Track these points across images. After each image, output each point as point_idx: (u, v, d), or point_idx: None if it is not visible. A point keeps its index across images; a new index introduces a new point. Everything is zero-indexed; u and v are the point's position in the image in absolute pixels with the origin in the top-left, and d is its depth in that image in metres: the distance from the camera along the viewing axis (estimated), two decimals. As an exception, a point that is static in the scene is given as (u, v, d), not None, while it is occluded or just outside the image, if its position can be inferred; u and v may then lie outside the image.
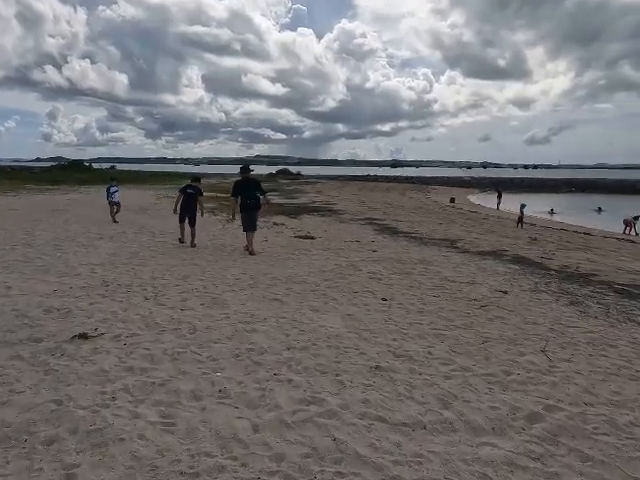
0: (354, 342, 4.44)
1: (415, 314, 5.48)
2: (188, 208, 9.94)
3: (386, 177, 65.94)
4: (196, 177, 10.66)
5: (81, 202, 19.90)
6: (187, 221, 9.99)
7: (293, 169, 75.67)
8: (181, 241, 9.95)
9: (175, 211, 10.10)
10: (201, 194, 10.27)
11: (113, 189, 13.58)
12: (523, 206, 17.21)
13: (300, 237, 11.55)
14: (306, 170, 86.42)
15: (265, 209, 9.96)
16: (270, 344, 4.31)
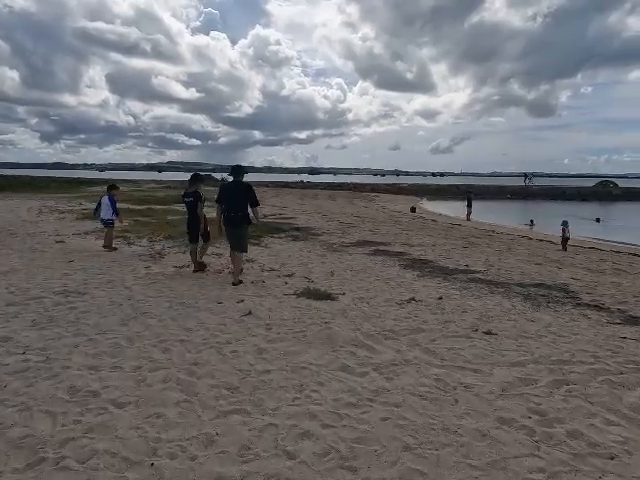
0: None
1: None
2: (190, 222, 7.48)
3: (317, 184, 61.32)
4: (194, 176, 7.81)
5: None
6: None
7: (216, 175, 67.85)
8: (196, 269, 7.39)
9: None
10: (200, 200, 7.43)
11: (104, 201, 9.43)
12: (566, 224, 12.99)
13: (307, 296, 6.00)
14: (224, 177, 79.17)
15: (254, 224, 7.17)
16: None
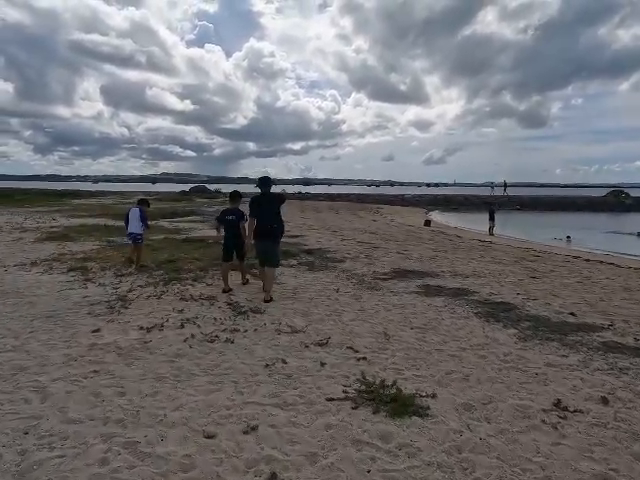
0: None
1: None
2: (231, 240, 7.01)
3: (316, 194, 58.69)
4: (235, 193, 7.49)
5: None
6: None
7: (210, 186, 64.68)
8: (225, 290, 6.78)
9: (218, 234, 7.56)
10: (243, 218, 6.91)
11: (133, 214, 8.45)
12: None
13: (372, 406, 3.24)
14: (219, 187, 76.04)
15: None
16: None
